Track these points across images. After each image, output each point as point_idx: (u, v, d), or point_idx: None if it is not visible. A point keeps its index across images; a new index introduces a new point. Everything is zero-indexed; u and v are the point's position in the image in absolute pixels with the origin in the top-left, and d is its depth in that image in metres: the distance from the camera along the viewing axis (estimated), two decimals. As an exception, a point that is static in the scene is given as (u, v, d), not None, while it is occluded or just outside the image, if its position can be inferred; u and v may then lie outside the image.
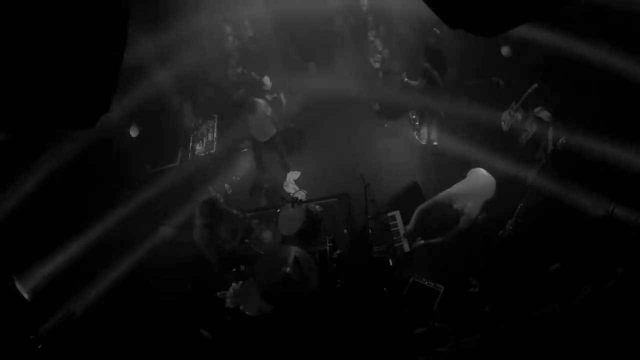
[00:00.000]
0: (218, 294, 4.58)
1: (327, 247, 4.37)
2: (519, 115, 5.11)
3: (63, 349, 3.36)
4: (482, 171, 4.05)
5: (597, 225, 2.99)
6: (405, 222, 4.34)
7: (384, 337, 4.10)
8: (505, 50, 5.30)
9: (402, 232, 4.28)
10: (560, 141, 4.21)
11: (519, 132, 5.07)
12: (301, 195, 5.65)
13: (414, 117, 6.34)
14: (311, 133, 6.78)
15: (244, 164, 6.52)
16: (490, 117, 5.63)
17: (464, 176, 4.19)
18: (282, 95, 6.70)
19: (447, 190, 4.13)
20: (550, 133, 4.44)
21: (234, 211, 4.65)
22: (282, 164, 6.12)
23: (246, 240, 4.63)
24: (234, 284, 4.46)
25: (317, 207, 4.92)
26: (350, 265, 4.46)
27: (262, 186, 5.07)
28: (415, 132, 6.31)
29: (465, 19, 0.93)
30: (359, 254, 4.50)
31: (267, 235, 4.57)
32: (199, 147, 5.93)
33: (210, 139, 5.99)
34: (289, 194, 5.74)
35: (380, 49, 6.71)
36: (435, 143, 6.15)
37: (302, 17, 6.56)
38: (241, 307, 4.07)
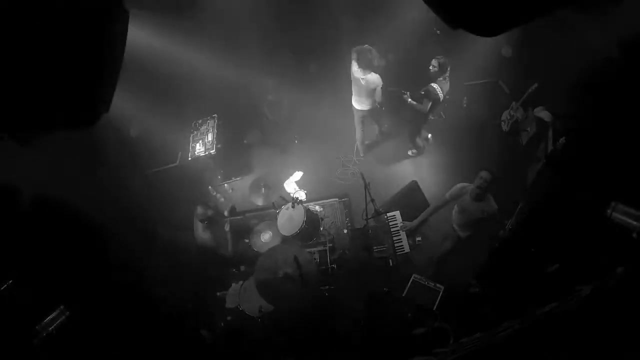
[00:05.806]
0: (218, 294, 4.58)
1: (327, 247, 4.38)
2: (519, 115, 5.11)
3: (61, 348, 3.36)
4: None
5: (597, 225, 2.98)
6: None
7: (383, 337, 4.10)
8: (505, 50, 5.30)
9: (401, 229, 4.30)
10: (560, 141, 4.20)
11: (519, 132, 5.06)
12: (301, 195, 5.64)
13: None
14: (310, 133, 6.78)
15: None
16: (490, 117, 5.63)
17: (462, 176, 4.20)
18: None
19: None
20: (550, 133, 4.43)
21: (225, 213, 4.81)
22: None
23: (246, 241, 4.63)
24: (234, 284, 4.47)
25: (317, 207, 4.92)
26: (350, 265, 4.46)
27: (262, 186, 5.07)
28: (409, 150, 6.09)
29: (465, 19, 0.93)
30: (359, 254, 4.50)
31: (267, 235, 4.56)
32: (199, 147, 5.92)
33: (210, 139, 5.97)
34: (289, 193, 5.74)
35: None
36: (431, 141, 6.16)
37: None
38: (241, 307, 4.07)
